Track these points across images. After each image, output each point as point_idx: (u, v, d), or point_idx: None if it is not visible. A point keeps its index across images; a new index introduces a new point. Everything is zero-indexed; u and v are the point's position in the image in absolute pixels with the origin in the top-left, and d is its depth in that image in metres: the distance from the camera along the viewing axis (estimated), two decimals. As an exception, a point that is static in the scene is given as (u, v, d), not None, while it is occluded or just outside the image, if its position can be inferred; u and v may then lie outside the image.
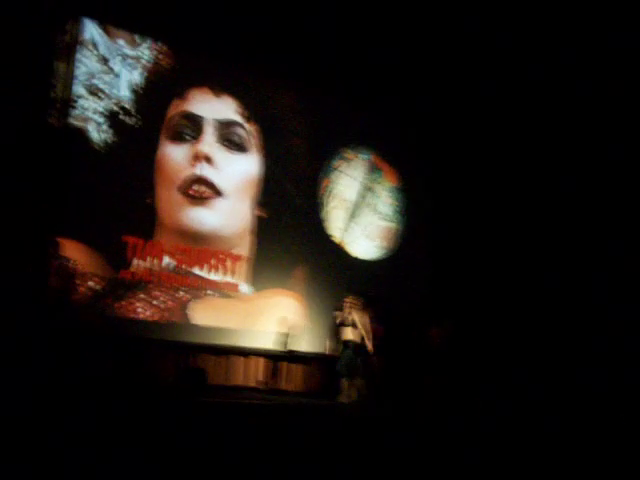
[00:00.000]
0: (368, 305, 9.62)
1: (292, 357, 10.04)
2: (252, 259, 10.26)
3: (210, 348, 9.61)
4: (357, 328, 9.36)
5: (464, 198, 11.40)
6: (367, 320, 9.49)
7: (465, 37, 10.52)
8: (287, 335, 9.99)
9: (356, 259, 11.22)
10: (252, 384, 9.83)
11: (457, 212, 11.44)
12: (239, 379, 9.79)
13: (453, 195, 11.53)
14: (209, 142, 9.92)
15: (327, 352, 9.81)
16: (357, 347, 9.35)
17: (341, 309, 9.53)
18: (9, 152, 8.42)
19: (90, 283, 9.03)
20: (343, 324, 9.39)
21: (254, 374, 9.93)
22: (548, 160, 10.73)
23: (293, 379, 10.23)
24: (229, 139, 10.15)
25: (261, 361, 9.98)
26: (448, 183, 11.61)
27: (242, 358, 9.86)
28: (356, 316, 9.42)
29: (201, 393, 8.14)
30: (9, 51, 8.50)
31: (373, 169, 11.53)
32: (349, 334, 9.38)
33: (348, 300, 9.54)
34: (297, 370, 10.27)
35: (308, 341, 10.32)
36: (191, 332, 9.55)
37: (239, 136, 10.24)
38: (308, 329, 10.43)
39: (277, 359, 10.05)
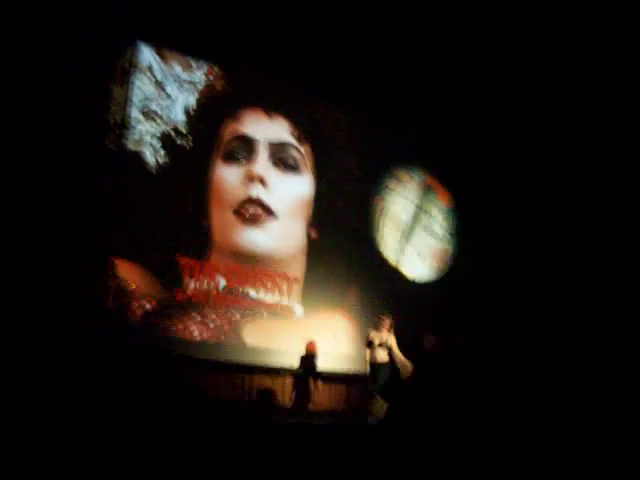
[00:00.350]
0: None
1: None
2: (305, 280, 10.23)
3: (265, 369, 9.56)
4: (389, 350, 9.07)
5: (516, 218, 11.20)
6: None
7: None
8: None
9: (411, 281, 11.08)
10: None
11: (509, 233, 11.24)
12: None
13: (505, 216, 11.34)
14: (262, 163, 9.97)
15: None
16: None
17: (377, 328, 9.22)
18: (68, 173, 8.60)
19: (145, 303, 9.09)
20: (379, 344, 9.11)
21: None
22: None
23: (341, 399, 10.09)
24: (282, 160, 10.18)
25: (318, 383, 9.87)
26: (500, 204, 11.42)
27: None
28: (392, 338, 9.10)
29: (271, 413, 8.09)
30: (68, 75, 8.72)
31: (427, 190, 11.44)
32: (384, 356, 9.05)
33: (388, 320, 9.20)
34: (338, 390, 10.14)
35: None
36: (244, 353, 9.53)
37: (292, 157, 10.28)
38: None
39: (330, 380, 9.92)
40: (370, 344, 9.00)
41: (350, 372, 10.07)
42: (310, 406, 8.87)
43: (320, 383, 9.15)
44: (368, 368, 9.00)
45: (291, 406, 8.93)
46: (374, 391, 8.92)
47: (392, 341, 9.04)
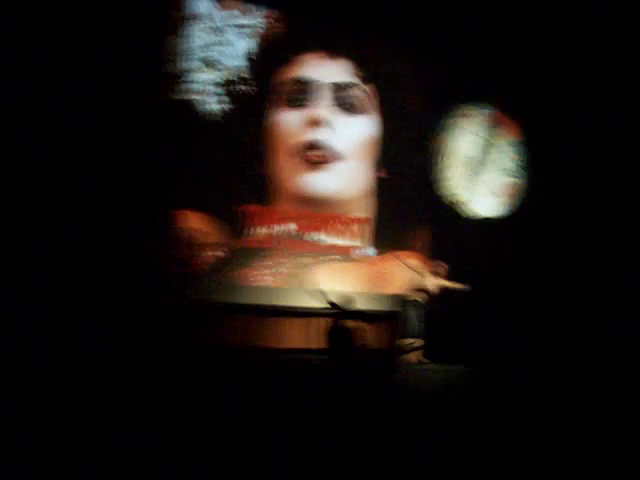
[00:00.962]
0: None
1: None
2: (374, 221, 10.12)
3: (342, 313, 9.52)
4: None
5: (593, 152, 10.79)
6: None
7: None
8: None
9: (482, 218, 10.85)
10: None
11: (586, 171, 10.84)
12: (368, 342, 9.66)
13: (581, 148, 10.93)
14: (325, 105, 9.81)
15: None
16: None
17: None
18: (128, 127, 8.62)
19: (215, 252, 9.13)
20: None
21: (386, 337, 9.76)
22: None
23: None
24: (345, 101, 10.00)
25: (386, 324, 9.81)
26: (575, 136, 11.01)
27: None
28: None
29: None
30: (124, 27, 8.68)
31: (494, 123, 11.12)
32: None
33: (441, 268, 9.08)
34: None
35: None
36: (317, 297, 9.49)
37: (356, 97, 10.08)
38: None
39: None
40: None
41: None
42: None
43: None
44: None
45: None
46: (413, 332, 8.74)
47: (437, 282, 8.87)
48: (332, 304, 8.13)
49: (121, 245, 8.27)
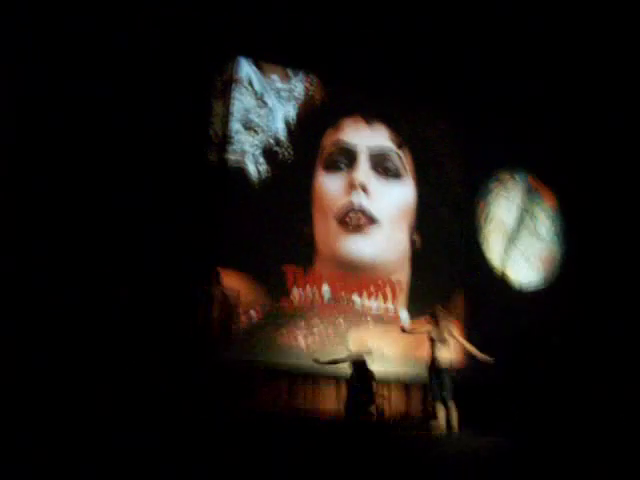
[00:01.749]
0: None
1: None
2: (409, 286, 10.13)
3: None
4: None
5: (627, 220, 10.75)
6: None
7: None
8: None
9: (517, 287, 10.79)
10: (416, 413, 9.60)
11: (621, 236, 10.79)
12: (401, 408, 9.60)
13: (615, 217, 10.90)
14: (364, 170, 9.95)
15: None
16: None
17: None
18: (174, 189, 8.82)
19: (251, 312, 9.19)
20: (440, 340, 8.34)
21: (415, 405, 9.69)
22: None
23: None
24: (383, 166, 10.14)
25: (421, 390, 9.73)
26: (610, 204, 10.99)
27: (403, 388, 9.70)
28: (451, 326, 8.23)
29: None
30: (171, 92, 8.96)
31: (531, 191, 11.15)
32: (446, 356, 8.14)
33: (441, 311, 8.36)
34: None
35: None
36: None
37: (393, 163, 10.22)
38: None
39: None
40: (432, 341, 8.09)
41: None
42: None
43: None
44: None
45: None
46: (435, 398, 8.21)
47: (452, 328, 8.23)
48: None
49: (167, 301, 8.40)
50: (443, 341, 7.95)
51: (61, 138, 8.38)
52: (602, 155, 11.08)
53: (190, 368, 8.30)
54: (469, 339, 8.94)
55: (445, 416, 7.85)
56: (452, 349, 8.14)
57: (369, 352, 8.53)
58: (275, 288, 9.33)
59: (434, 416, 8.16)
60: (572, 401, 8.69)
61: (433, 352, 8.01)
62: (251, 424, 6.78)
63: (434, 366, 7.95)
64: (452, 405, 7.83)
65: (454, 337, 8.16)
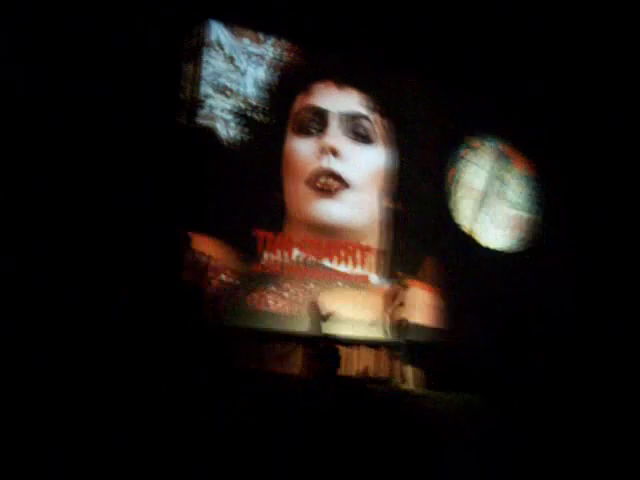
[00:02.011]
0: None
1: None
2: (382, 250, 10.19)
3: (341, 340, 9.56)
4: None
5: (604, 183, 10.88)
6: None
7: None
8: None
9: (487, 249, 10.90)
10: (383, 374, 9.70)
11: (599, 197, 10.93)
12: (370, 371, 9.70)
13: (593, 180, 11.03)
14: (335, 135, 9.93)
15: None
16: None
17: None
18: (143, 153, 8.75)
19: (222, 276, 9.20)
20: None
21: (383, 366, 9.78)
22: None
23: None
24: (355, 131, 10.12)
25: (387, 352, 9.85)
26: (588, 169, 11.11)
27: (373, 350, 9.78)
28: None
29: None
30: (140, 57, 8.85)
31: (501, 157, 11.22)
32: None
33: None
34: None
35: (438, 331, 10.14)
36: (322, 324, 9.53)
37: (364, 128, 10.20)
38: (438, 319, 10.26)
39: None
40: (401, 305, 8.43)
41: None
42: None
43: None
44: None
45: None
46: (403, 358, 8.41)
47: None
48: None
49: (134, 265, 8.35)
50: (404, 305, 8.18)
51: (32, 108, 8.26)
52: (573, 121, 11.18)
53: (161, 332, 8.30)
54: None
55: (412, 374, 8.09)
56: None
57: (329, 315, 8.63)
58: (246, 252, 9.32)
59: (402, 375, 8.34)
60: (537, 361, 8.84)
61: (401, 315, 8.20)
62: (222, 384, 6.84)
63: (401, 328, 8.14)
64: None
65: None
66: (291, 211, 9.73)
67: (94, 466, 4.51)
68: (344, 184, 9.84)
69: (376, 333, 9.85)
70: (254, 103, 9.76)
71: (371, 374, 9.52)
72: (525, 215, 11.13)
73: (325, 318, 8.69)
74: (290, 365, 9.18)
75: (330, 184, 9.75)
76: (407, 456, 5.00)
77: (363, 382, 6.17)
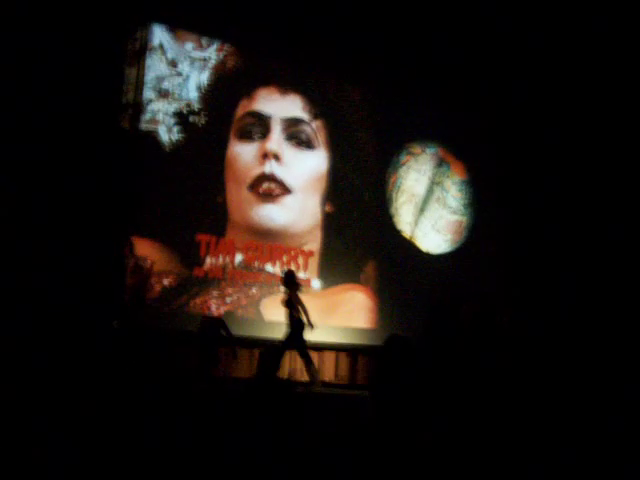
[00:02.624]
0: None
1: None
2: (322, 255, 10.29)
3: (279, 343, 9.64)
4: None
5: (533, 188, 11.17)
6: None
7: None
8: None
9: (427, 254, 11.09)
10: (326, 379, 9.80)
11: (526, 203, 11.22)
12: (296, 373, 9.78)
13: (522, 185, 11.32)
14: (276, 139, 10.01)
15: None
16: None
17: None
18: (85, 157, 8.69)
19: (165, 281, 9.20)
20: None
21: (328, 369, 9.89)
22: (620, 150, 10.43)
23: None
24: (296, 136, 10.22)
25: (334, 356, 9.97)
26: (516, 174, 11.40)
27: (316, 353, 9.87)
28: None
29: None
30: (82, 60, 8.80)
31: (440, 163, 11.42)
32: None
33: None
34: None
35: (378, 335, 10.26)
36: (264, 328, 9.60)
37: (306, 133, 10.31)
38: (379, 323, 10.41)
39: (352, 353, 10.05)
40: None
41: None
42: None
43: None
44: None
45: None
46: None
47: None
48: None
49: (76, 270, 8.30)
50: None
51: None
52: (510, 128, 11.45)
53: (102, 337, 8.27)
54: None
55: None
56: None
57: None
58: (188, 257, 9.33)
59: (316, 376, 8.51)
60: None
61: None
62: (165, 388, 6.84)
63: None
64: None
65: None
66: (234, 216, 9.77)
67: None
68: (286, 189, 9.92)
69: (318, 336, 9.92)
70: (196, 108, 9.78)
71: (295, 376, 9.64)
72: (460, 219, 11.33)
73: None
74: (231, 368, 9.21)
75: (272, 189, 9.83)
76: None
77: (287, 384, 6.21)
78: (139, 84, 9.54)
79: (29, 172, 8.30)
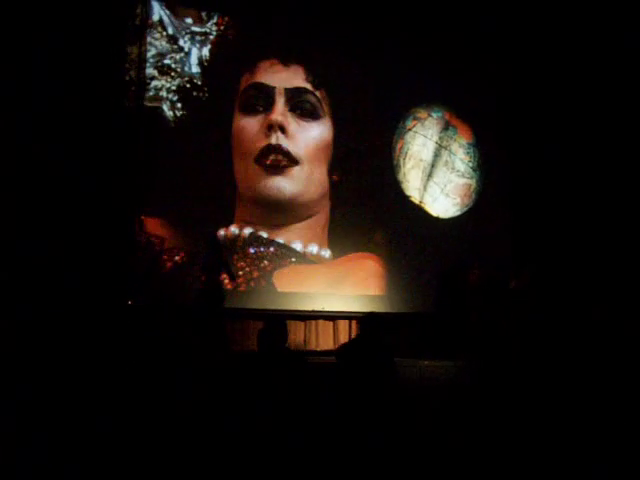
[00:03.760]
0: None
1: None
2: (332, 224, 10.30)
3: (298, 315, 9.71)
4: None
5: (541, 150, 11.09)
6: None
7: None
8: None
9: (437, 218, 11.06)
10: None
11: (534, 165, 11.16)
12: (329, 343, 9.85)
13: (529, 148, 11.25)
14: (281, 111, 9.94)
15: None
16: None
17: None
18: (90, 137, 8.72)
19: (176, 258, 9.26)
20: None
21: (344, 338, 9.93)
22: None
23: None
24: (301, 107, 10.15)
25: (347, 324, 10.02)
26: (524, 136, 11.32)
27: (331, 322, 9.95)
28: None
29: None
30: (84, 40, 8.79)
31: (447, 126, 11.33)
32: None
33: None
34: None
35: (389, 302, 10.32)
36: (278, 300, 9.65)
37: (310, 103, 10.23)
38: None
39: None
40: None
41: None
42: None
43: None
44: None
45: None
46: None
47: None
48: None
49: (87, 250, 8.37)
50: None
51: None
52: (517, 89, 11.35)
53: (114, 315, 8.34)
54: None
55: None
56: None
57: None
58: (198, 232, 9.35)
59: None
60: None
61: None
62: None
63: None
64: None
65: None
66: (242, 189, 9.80)
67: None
68: (293, 160, 9.89)
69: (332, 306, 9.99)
70: (200, 83, 9.76)
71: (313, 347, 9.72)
72: (468, 182, 11.28)
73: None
74: (246, 342, 9.28)
75: (279, 161, 9.81)
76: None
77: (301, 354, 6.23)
78: (141, 61, 9.53)
79: (36, 153, 8.34)
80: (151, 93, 9.51)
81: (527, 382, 6.94)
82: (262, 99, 9.96)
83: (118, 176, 8.94)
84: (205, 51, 9.87)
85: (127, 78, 9.40)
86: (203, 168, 9.58)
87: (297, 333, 9.63)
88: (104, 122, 8.91)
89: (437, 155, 11.14)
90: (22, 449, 4.70)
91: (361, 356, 5.43)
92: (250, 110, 9.90)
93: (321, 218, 10.24)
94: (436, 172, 11.11)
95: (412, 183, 10.96)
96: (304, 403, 4.92)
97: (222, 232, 9.57)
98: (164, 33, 9.73)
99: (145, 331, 8.08)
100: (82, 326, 7.78)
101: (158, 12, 9.72)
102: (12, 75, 8.31)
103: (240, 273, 9.55)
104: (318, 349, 9.70)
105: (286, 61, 10.26)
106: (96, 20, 9.00)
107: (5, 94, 8.26)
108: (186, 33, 9.83)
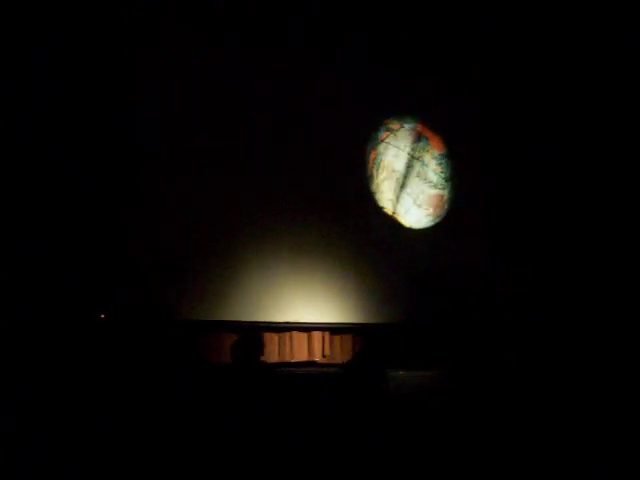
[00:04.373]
0: None
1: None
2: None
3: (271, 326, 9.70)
4: None
5: (513, 158, 11.20)
6: None
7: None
8: None
9: (409, 229, 11.10)
10: (317, 358, 9.88)
11: (506, 175, 11.25)
12: (303, 355, 9.85)
13: (501, 158, 11.34)
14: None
15: None
16: None
17: None
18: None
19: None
20: None
21: (318, 349, 9.94)
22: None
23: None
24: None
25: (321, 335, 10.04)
26: (495, 147, 11.40)
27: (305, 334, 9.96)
28: None
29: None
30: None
31: (419, 137, 11.39)
32: None
33: None
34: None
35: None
36: (249, 310, 9.63)
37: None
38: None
39: (334, 332, 10.09)
40: None
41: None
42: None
43: None
44: None
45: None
46: None
47: None
48: None
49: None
50: None
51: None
52: (490, 99, 11.43)
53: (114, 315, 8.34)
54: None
55: None
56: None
57: None
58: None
59: None
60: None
61: None
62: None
63: None
64: None
65: None
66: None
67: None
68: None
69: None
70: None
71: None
72: (440, 193, 11.34)
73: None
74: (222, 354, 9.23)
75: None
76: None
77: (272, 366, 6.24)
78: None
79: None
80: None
81: (527, 382, 6.96)
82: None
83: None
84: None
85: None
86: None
87: (271, 345, 9.60)
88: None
89: (410, 166, 11.19)
90: (22, 449, 4.69)
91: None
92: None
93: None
94: (409, 183, 11.15)
95: (385, 194, 11.00)
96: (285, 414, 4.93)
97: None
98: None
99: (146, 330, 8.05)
100: (82, 326, 7.80)
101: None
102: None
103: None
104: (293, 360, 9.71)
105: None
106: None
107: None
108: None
